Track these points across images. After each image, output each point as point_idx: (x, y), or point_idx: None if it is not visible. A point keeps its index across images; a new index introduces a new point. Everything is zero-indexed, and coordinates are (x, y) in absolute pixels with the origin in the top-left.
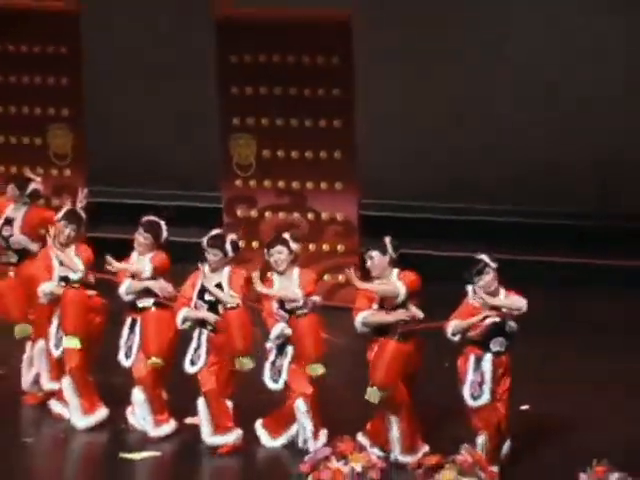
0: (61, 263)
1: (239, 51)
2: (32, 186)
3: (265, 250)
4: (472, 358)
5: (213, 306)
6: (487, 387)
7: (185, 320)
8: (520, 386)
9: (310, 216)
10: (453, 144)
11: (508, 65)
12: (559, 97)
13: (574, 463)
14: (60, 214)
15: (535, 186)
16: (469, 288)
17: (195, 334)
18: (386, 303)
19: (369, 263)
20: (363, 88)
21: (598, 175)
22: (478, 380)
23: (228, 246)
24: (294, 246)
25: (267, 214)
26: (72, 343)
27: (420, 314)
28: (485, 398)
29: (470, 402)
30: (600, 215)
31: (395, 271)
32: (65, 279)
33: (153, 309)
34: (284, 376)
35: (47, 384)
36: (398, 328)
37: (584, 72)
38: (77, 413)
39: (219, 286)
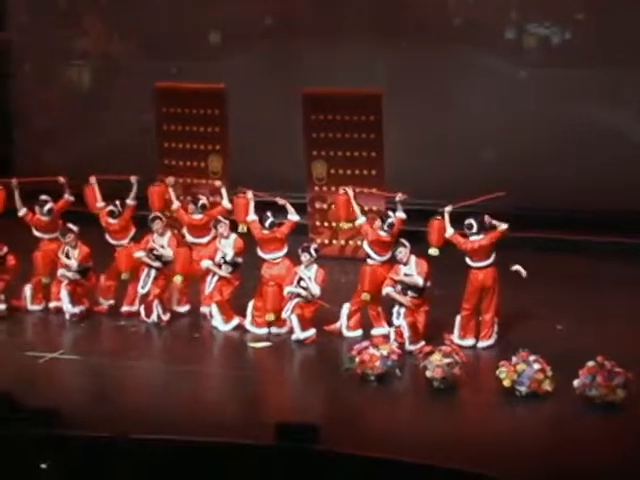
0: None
1: (316, 113)
2: (201, 202)
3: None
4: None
5: (304, 289)
6: (402, 315)
7: (290, 292)
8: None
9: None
10: (451, 163)
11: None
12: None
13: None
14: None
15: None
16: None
17: (291, 300)
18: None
19: (400, 255)
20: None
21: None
22: (398, 311)
23: (312, 251)
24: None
25: (332, 207)
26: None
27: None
28: (401, 320)
29: (395, 321)
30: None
31: (413, 258)
32: (224, 258)
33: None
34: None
35: (175, 307)
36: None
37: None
38: (220, 323)
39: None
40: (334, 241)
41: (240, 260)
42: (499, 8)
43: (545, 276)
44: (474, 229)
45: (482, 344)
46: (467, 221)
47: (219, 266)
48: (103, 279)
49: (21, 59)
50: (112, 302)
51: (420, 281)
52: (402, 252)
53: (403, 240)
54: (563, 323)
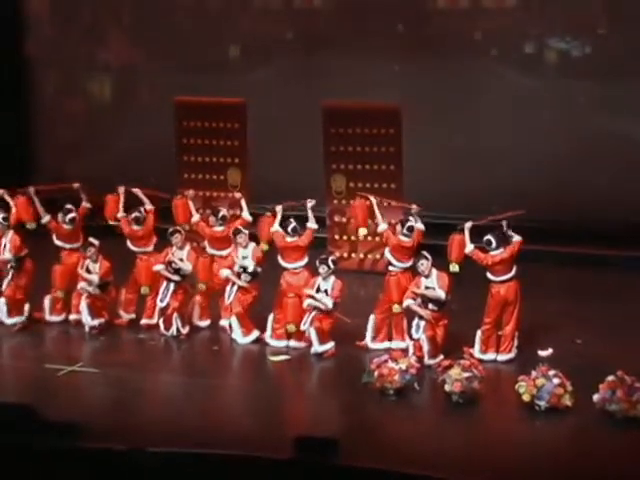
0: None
1: (336, 126)
2: (221, 213)
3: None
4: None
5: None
6: (421, 328)
7: (308, 305)
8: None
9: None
10: (471, 176)
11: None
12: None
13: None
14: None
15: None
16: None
17: (309, 312)
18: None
19: (421, 267)
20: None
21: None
22: (418, 324)
23: (330, 262)
24: None
25: (352, 220)
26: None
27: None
28: (420, 333)
29: (414, 334)
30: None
31: (435, 272)
32: (243, 268)
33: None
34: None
35: (196, 321)
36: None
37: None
38: (239, 336)
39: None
40: (353, 254)
41: (259, 270)
42: (518, 21)
43: (565, 290)
44: (493, 245)
45: (502, 357)
46: (486, 238)
47: (238, 275)
48: (124, 292)
49: (42, 71)
50: (133, 316)
51: (442, 294)
52: (424, 264)
53: (425, 252)
54: (583, 337)
